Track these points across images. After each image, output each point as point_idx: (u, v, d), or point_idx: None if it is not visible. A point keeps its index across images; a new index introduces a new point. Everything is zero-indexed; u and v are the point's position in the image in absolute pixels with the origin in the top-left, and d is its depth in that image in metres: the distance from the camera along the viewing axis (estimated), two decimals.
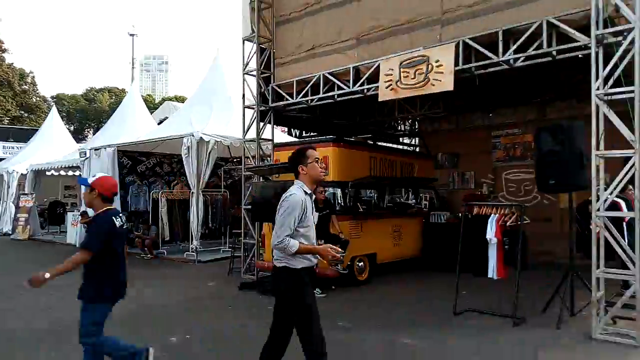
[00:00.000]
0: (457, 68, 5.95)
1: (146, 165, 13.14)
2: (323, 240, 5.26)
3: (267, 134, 8.88)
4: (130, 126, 13.37)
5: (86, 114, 52.48)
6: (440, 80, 6.13)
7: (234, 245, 9.32)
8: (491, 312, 5.66)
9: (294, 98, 8.05)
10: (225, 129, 10.22)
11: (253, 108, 8.57)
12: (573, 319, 5.44)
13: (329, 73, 7.50)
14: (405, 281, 8.04)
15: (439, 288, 7.03)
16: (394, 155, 9.57)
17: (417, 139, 12.92)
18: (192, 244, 10.21)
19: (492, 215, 5.63)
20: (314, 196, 3.31)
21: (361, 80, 7.14)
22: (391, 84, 6.64)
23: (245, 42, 8.62)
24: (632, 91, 4.63)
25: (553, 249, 8.47)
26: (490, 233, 5.58)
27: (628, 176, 4.76)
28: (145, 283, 8.13)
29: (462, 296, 5.89)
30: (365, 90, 7.19)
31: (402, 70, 6.48)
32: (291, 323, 3.15)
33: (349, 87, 7.28)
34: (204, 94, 11.99)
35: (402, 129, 13.13)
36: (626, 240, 5.03)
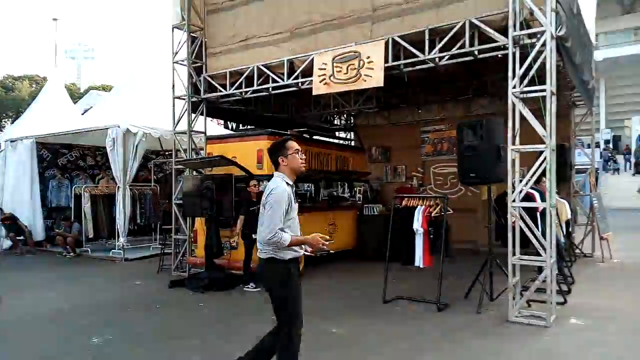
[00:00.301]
0: (386, 65, 6.11)
1: (68, 158, 12.25)
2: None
3: (200, 126, 8.63)
4: (51, 116, 12.35)
5: (3, 103, 48.01)
6: (371, 76, 6.26)
7: (164, 242, 8.98)
8: (418, 299, 5.92)
9: (228, 90, 7.87)
10: (156, 120, 9.77)
11: (184, 99, 8.28)
12: (492, 303, 5.80)
13: (263, 65, 7.41)
14: (339, 272, 8.18)
15: (371, 278, 7.22)
16: (329, 149, 9.67)
17: (352, 133, 13.13)
18: (118, 241, 9.71)
19: (419, 206, 5.86)
20: (294, 187, 3.29)
21: (296, 74, 7.12)
22: (325, 79, 6.68)
23: (175, 30, 8.29)
24: (544, 90, 5.00)
25: (476, 238, 8.98)
26: (417, 224, 5.81)
27: (541, 169, 5.14)
28: (67, 283, 7.68)
29: (392, 284, 6.08)
30: (299, 84, 7.19)
31: (335, 65, 6.54)
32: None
33: (283, 80, 7.24)
34: (133, 82, 11.39)
35: (338, 123, 13.30)
36: (539, 229, 5.44)
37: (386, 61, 6.11)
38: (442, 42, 5.73)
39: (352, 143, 13.01)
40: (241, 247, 7.07)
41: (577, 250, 9.45)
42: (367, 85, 6.43)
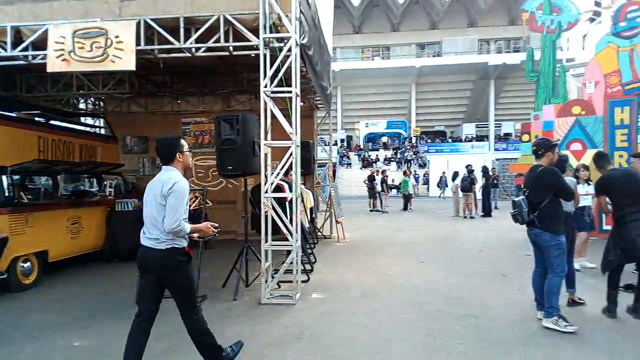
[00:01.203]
0: (139, 48, 5.68)
1: None
2: None
3: None
4: None
5: None
6: (121, 58, 5.71)
7: None
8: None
9: None
10: None
11: None
12: (248, 289, 6.13)
13: None
14: (84, 277, 7.25)
15: (124, 280, 6.66)
16: (72, 137, 8.41)
17: (101, 119, 11.77)
18: None
19: None
20: None
21: (24, 44, 5.92)
22: (63, 54, 5.75)
23: None
24: (291, 92, 5.51)
25: (236, 229, 9.32)
26: None
27: (289, 163, 5.66)
28: None
29: None
30: (29, 57, 6.02)
31: (76, 40, 5.70)
32: (159, 301, 3.48)
33: (6, 50, 5.92)
34: None
35: (84, 107, 11.73)
36: (289, 217, 5.99)
37: (138, 44, 5.67)
38: (198, 33, 5.67)
39: (102, 131, 11.69)
40: None
41: (319, 233, 10.90)
42: (117, 68, 5.84)
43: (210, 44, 5.72)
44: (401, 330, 4.58)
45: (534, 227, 4.53)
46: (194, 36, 5.70)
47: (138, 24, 5.68)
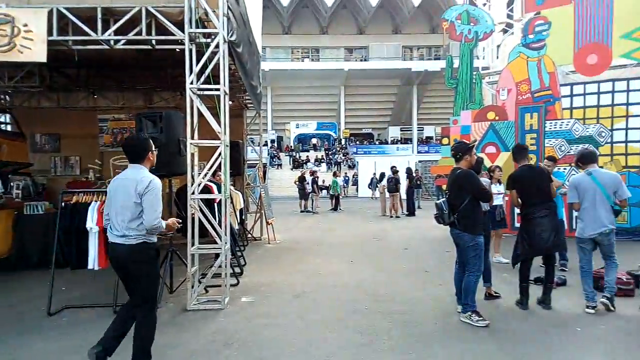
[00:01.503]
0: (50, 38, 5.23)
1: None
2: None
3: None
4: None
5: None
6: (30, 49, 5.26)
7: None
8: (91, 305, 5.36)
9: None
10: None
11: None
12: (172, 295, 5.86)
13: None
14: None
15: (33, 289, 6.10)
16: None
17: (7, 115, 10.69)
18: None
19: (94, 202, 5.29)
20: None
21: None
22: None
23: None
24: (219, 89, 5.35)
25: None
26: (91, 222, 5.22)
27: (217, 163, 5.49)
28: None
29: (62, 293, 5.32)
30: None
31: None
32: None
33: None
34: None
35: None
36: (217, 219, 5.81)
37: (50, 34, 5.22)
38: (117, 25, 5.33)
39: (9, 128, 10.63)
40: None
41: (249, 235, 10.73)
42: (25, 59, 5.36)
43: (131, 36, 5.40)
44: (331, 329, 4.61)
45: (454, 227, 4.78)
46: (113, 28, 5.35)
47: (50, 13, 5.23)
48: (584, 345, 4.15)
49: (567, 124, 10.27)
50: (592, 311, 4.89)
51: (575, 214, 8.61)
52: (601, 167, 5.53)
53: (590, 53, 10.23)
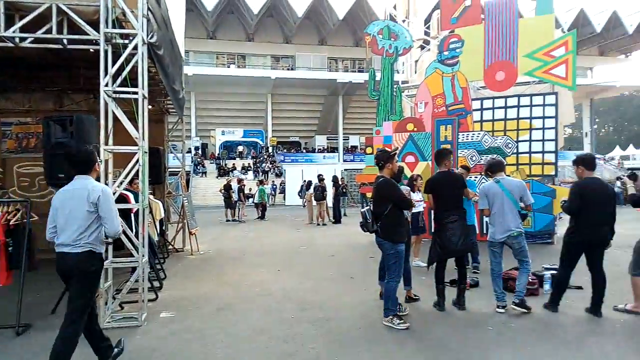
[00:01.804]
0: None
1: None
2: None
3: None
4: None
5: None
6: None
7: None
8: None
9: None
10: None
11: None
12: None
13: None
14: None
15: None
16: None
17: None
18: None
19: None
20: None
21: None
22: None
23: None
24: (137, 93, 5.08)
25: None
26: None
27: (134, 170, 5.19)
28: None
29: None
30: None
31: None
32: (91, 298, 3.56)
33: None
34: None
35: None
36: (134, 230, 5.48)
37: None
38: (23, 21, 4.87)
39: None
40: None
41: (170, 247, 10.27)
42: None
43: (38, 34, 4.96)
44: (257, 340, 4.53)
45: (377, 235, 4.92)
46: (19, 24, 4.88)
47: None
48: (497, 342, 4.45)
49: (478, 136, 11.07)
50: (502, 310, 5.26)
51: (486, 219, 9.30)
52: (508, 175, 5.98)
53: (498, 70, 11.13)
